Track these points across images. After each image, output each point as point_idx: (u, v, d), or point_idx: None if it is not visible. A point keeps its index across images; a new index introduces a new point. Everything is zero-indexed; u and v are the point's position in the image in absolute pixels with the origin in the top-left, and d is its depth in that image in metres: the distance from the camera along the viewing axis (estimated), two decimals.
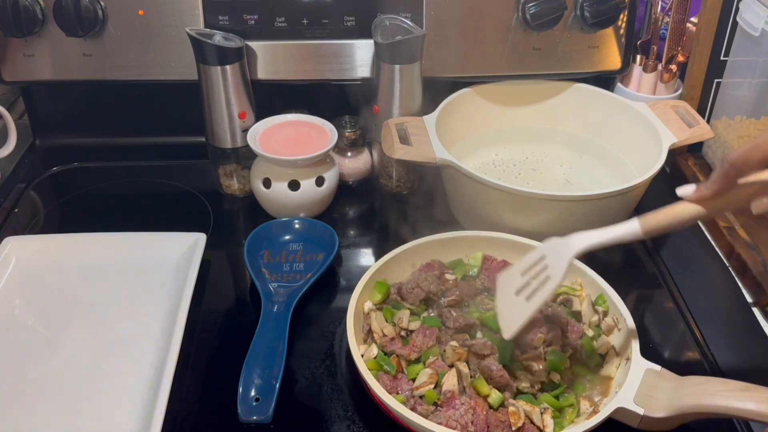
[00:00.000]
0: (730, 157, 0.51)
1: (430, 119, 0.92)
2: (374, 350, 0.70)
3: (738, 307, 0.81)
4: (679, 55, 1.05)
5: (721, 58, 1.00)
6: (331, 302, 0.83)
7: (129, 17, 0.94)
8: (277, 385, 0.68)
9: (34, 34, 0.95)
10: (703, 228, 0.90)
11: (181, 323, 0.73)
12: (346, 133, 0.97)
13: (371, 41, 0.94)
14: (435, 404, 0.64)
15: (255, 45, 0.96)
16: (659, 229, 0.58)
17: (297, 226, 0.89)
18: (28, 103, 1.09)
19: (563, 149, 1.03)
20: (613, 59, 1.01)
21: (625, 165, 0.96)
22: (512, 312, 0.66)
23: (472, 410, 0.63)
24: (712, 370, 0.74)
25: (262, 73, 0.98)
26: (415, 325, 0.71)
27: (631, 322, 0.70)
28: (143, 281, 0.82)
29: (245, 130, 0.93)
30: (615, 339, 0.72)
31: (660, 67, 1.04)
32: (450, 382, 0.65)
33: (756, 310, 0.81)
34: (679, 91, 1.06)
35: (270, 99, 1.00)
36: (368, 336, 0.72)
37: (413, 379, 0.67)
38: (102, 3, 0.93)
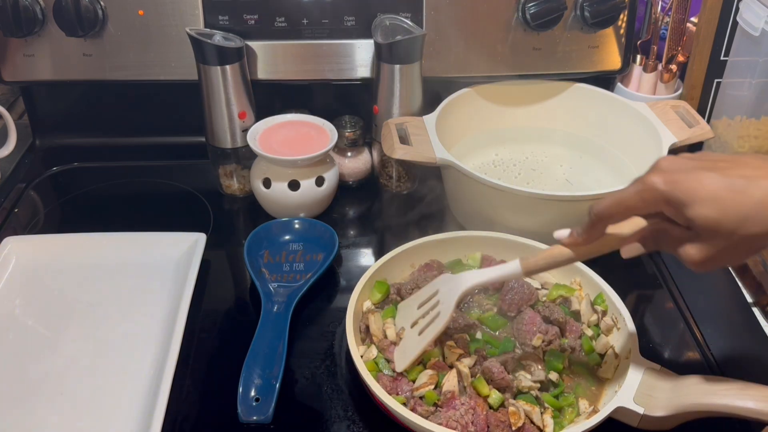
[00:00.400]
0: (594, 209, 0.55)
1: (430, 119, 0.92)
2: (374, 351, 0.70)
3: (738, 307, 0.81)
4: (679, 55, 1.05)
5: (721, 58, 1.00)
6: (331, 302, 0.83)
7: (129, 17, 0.94)
8: (277, 385, 0.68)
9: (34, 34, 0.95)
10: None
11: (181, 323, 0.73)
12: (346, 133, 0.97)
13: (371, 41, 0.94)
14: (435, 405, 0.64)
15: (255, 45, 0.96)
16: (537, 270, 0.62)
17: (297, 226, 0.89)
18: (28, 103, 1.09)
19: (563, 149, 1.03)
20: (613, 59, 1.01)
21: (625, 165, 0.96)
22: (406, 345, 0.68)
23: (472, 410, 0.63)
24: (712, 370, 0.74)
25: (262, 73, 0.98)
26: None
27: (630, 322, 0.70)
28: (143, 281, 0.82)
29: (245, 130, 0.93)
30: (614, 339, 0.72)
31: (660, 67, 1.04)
32: (450, 382, 0.65)
33: (756, 310, 0.81)
34: (679, 91, 1.06)
35: (270, 99, 1.00)
36: (367, 336, 0.72)
37: (414, 380, 0.67)
38: (102, 3, 0.93)
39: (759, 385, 0.58)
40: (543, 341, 0.70)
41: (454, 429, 0.61)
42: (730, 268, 0.86)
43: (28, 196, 1.01)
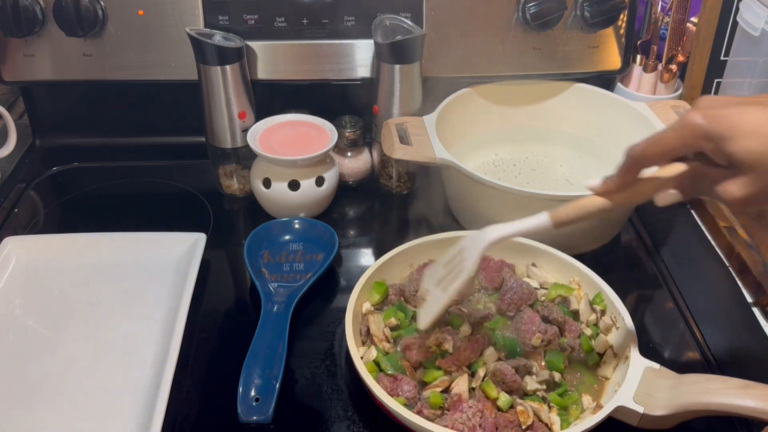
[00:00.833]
0: (631, 151, 0.53)
1: (430, 119, 0.92)
2: (374, 351, 0.69)
3: (738, 307, 0.81)
4: (679, 55, 1.05)
5: (721, 58, 1.00)
6: (331, 302, 0.83)
7: (129, 17, 0.94)
8: (277, 385, 0.68)
9: (34, 34, 0.95)
10: (703, 228, 0.90)
11: (181, 323, 0.72)
12: (346, 133, 0.97)
13: (371, 41, 0.94)
14: (441, 408, 0.64)
15: (255, 45, 0.96)
16: (567, 221, 0.59)
17: (297, 226, 0.89)
18: (28, 103, 1.09)
19: (563, 149, 1.03)
20: (613, 59, 1.01)
21: None
22: (430, 302, 0.67)
23: (480, 413, 0.62)
24: (712, 369, 0.74)
25: (262, 73, 0.98)
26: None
27: (629, 321, 0.70)
28: (143, 281, 0.82)
29: (245, 130, 0.93)
30: (613, 338, 0.72)
31: (660, 67, 1.04)
32: (460, 386, 0.65)
33: (756, 310, 0.81)
34: (679, 91, 1.06)
35: (270, 99, 1.00)
36: (367, 337, 0.72)
37: (428, 381, 0.67)
38: (102, 3, 0.93)
39: (759, 384, 0.58)
40: (542, 341, 0.70)
41: (460, 431, 0.61)
42: (730, 268, 0.86)
43: (28, 196, 1.01)
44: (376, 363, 0.69)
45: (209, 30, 0.93)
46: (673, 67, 1.04)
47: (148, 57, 0.97)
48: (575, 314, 0.75)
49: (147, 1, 0.93)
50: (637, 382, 0.63)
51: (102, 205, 0.99)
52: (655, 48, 1.04)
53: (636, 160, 0.53)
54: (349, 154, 1.00)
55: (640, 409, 0.61)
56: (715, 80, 1.02)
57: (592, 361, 0.71)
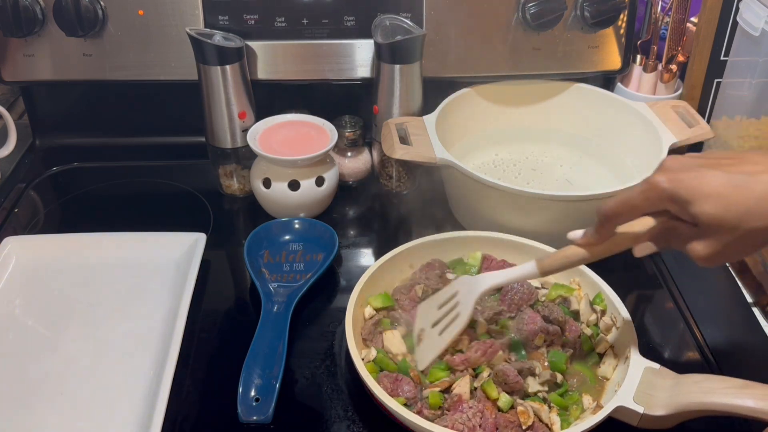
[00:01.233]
0: (601, 209, 0.57)
1: (430, 119, 0.92)
2: (374, 352, 0.70)
3: (738, 307, 0.81)
4: (679, 55, 1.05)
5: (721, 58, 1.00)
6: (331, 302, 0.83)
7: (129, 17, 0.94)
8: (277, 385, 0.68)
9: (34, 34, 0.95)
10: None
11: (181, 323, 0.72)
12: (346, 133, 0.97)
13: (371, 41, 0.94)
14: (440, 408, 0.64)
15: (255, 45, 0.96)
16: (553, 270, 0.64)
17: (297, 226, 0.89)
18: (28, 103, 1.09)
19: (563, 149, 1.03)
20: (613, 59, 1.01)
21: (625, 165, 0.96)
22: (428, 344, 0.69)
23: (480, 413, 0.62)
24: (712, 369, 0.74)
25: (262, 73, 0.98)
26: None
27: (629, 321, 0.70)
28: (143, 281, 0.82)
29: (245, 130, 0.93)
30: (613, 338, 0.72)
31: (660, 67, 1.04)
32: (462, 387, 0.65)
33: (756, 310, 0.81)
34: (679, 91, 1.06)
35: (270, 99, 1.00)
36: (369, 338, 0.72)
37: (432, 381, 0.67)
38: (102, 3, 0.93)
39: (759, 383, 0.58)
40: (545, 341, 0.70)
41: (460, 431, 0.61)
42: (730, 268, 0.86)
43: (28, 196, 1.01)
44: (377, 363, 0.69)
45: (209, 30, 0.93)
46: (673, 67, 1.04)
47: (148, 57, 0.97)
48: (575, 314, 0.75)
49: (147, 1, 0.93)
50: (637, 382, 0.63)
51: (102, 205, 0.99)
52: (655, 48, 1.04)
53: (607, 217, 0.57)
54: (349, 154, 1.00)
55: (640, 409, 0.61)
56: (715, 80, 1.02)
57: (592, 361, 0.71)
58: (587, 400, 0.66)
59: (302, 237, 0.88)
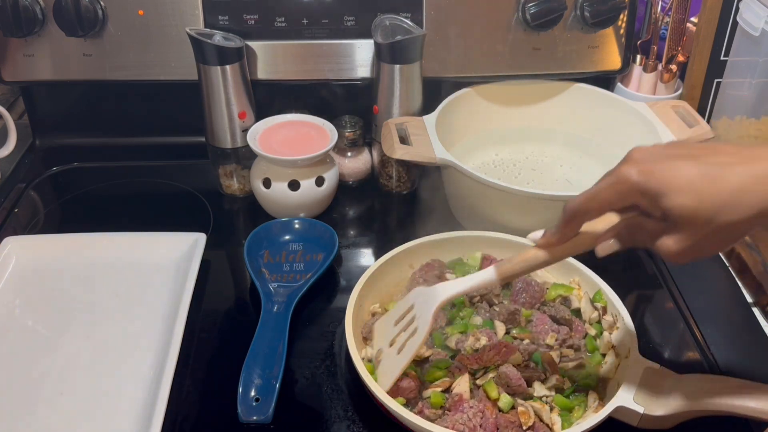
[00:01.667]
0: (568, 206, 0.54)
1: (430, 119, 0.92)
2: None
3: (738, 307, 0.81)
4: (679, 55, 1.05)
5: (721, 58, 1.00)
6: (331, 302, 0.83)
7: (129, 17, 0.94)
8: (277, 385, 0.68)
9: (34, 34, 0.95)
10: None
11: (181, 323, 0.73)
12: (346, 133, 0.97)
13: (371, 41, 0.94)
14: (442, 408, 0.64)
15: (255, 45, 0.96)
16: (513, 275, 0.61)
17: (297, 226, 0.89)
18: (28, 103, 1.09)
19: (563, 149, 1.03)
20: (613, 59, 1.01)
21: None
22: (387, 364, 0.66)
23: (481, 413, 0.62)
24: (712, 369, 0.74)
25: (262, 73, 0.98)
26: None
27: (629, 320, 0.70)
28: (143, 281, 0.82)
29: (245, 130, 0.93)
30: (614, 337, 0.72)
31: (660, 67, 1.04)
32: (461, 387, 0.65)
33: (756, 310, 0.81)
34: (679, 91, 1.06)
35: (270, 99, 1.00)
36: (370, 337, 0.72)
37: (431, 381, 0.67)
38: (102, 3, 0.93)
39: (759, 384, 0.58)
40: (556, 339, 0.70)
41: (460, 431, 0.61)
42: (730, 268, 0.86)
43: (28, 196, 1.01)
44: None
45: (209, 30, 0.93)
46: (673, 67, 1.04)
47: (148, 57, 0.97)
48: (577, 313, 0.74)
49: (147, 1, 0.93)
50: (637, 382, 0.63)
51: (102, 205, 0.99)
52: (655, 48, 1.04)
53: (575, 214, 0.54)
54: (349, 154, 1.00)
55: (640, 409, 0.61)
56: (715, 80, 1.02)
57: (596, 361, 0.70)
58: (592, 398, 0.66)
59: (302, 237, 0.88)
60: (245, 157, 0.96)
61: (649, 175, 0.48)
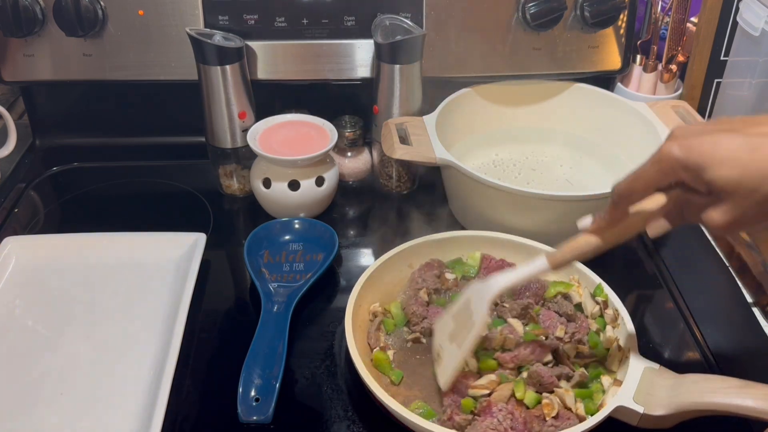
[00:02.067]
0: (616, 188, 0.54)
1: (430, 119, 0.92)
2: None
3: (738, 307, 0.81)
4: (679, 55, 1.05)
5: (721, 58, 1.00)
6: (331, 302, 0.82)
7: (129, 17, 0.94)
8: (277, 385, 0.68)
9: (34, 34, 0.95)
10: (703, 228, 0.90)
11: (181, 323, 0.72)
12: (346, 133, 0.97)
13: (371, 41, 0.94)
14: (472, 412, 0.64)
15: (255, 45, 0.96)
16: (565, 263, 0.61)
17: (297, 226, 0.89)
18: (28, 103, 1.09)
19: (563, 149, 1.03)
20: (613, 59, 1.01)
21: (625, 165, 0.96)
22: (447, 359, 0.67)
23: (511, 415, 0.62)
24: (712, 369, 0.74)
25: (262, 73, 0.98)
26: None
27: (628, 320, 0.70)
28: (143, 281, 0.82)
29: (245, 130, 0.93)
30: (617, 332, 0.72)
31: (660, 67, 1.04)
32: (503, 392, 0.64)
33: (756, 310, 0.81)
34: (679, 91, 1.06)
35: (270, 99, 1.00)
36: (372, 338, 0.72)
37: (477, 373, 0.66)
38: (102, 3, 0.93)
39: (759, 383, 0.58)
40: (566, 332, 0.69)
41: None
42: (730, 268, 0.86)
43: (28, 196, 1.01)
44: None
45: (209, 30, 0.93)
46: (673, 67, 1.04)
47: (148, 57, 0.97)
48: (579, 308, 0.74)
49: (147, 1, 0.94)
50: (636, 382, 0.63)
51: (102, 205, 0.99)
52: (655, 48, 1.04)
53: (622, 196, 0.54)
54: (349, 154, 1.00)
55: (640, 409, 0.61)
56: (715, 80, 1.02)
57: (599, 356, 0.70)
58: (606, 381, 0.66)
59: (302, 237, 0.88)
60: (245, 157, 0.96)
61: (690, 149, 0.48)
